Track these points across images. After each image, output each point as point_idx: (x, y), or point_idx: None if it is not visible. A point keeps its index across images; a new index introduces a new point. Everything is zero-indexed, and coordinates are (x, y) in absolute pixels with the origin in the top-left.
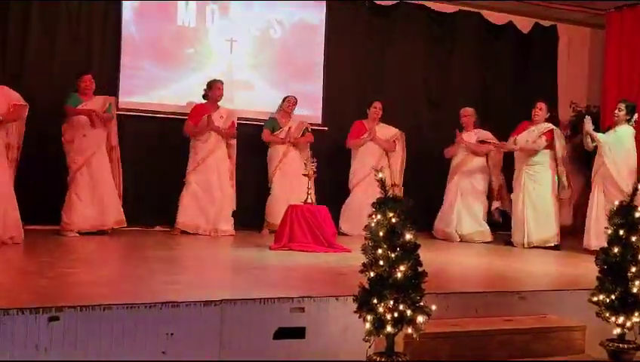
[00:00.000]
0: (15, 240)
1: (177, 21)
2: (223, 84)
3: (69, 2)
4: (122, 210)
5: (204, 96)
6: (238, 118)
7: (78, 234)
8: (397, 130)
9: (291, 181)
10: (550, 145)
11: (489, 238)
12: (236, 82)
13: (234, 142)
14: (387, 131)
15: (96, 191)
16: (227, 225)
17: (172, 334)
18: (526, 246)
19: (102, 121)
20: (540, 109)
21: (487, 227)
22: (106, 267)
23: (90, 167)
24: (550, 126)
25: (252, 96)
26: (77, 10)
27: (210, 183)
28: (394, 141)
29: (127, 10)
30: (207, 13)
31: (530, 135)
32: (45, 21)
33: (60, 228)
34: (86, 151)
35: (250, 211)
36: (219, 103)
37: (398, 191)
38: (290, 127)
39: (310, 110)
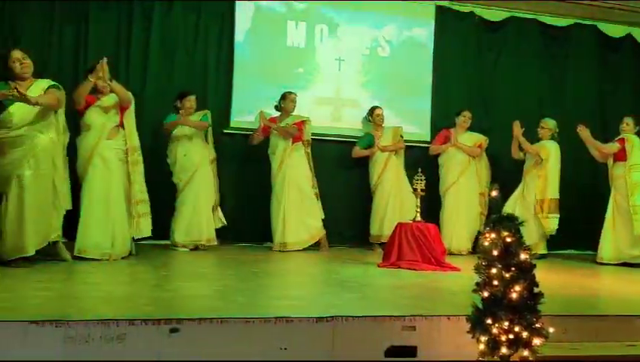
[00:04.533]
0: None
1: (287, 42)
2: (296, 95)
3: (187, 26)
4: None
5: (276, 108)
6: (345, 136)
7: (188, 249)
8: (482, 136)
9: (390, 191)
10: None
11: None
12: (344, 100)
13: (309, 150)
14: (473, 138)
15: (197, 208)
16: (319, 233)
17: (285, 348)
18: (615, 261)
19: (199, 127)
20: (627, 124)
21: None
22: (219, 281)
23: (193, 185)
24: None
25: (360, 114)
26: (194, 33)
27: (289, 195)
28: (478, 146)
29: (240, 32)
30: (317, 33)
31: None
32: (164, 44)
33: (171, 243)
34: (189, 170)
35: (356, 227)
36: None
37: (483, 200)
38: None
39: (418, 127)
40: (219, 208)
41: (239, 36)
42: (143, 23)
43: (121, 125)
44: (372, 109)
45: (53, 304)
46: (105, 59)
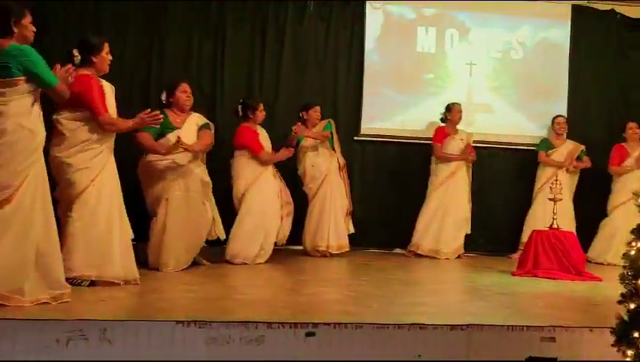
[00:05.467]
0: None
1: (417, 47)
2: (461, 106)
3: (317, 36)
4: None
5: (442, 120)
6: (478, 141)
7: (316, 256)
8: None
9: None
10: None
11: None
12: (475, 105)
13: (470, 164)
14: None
15: (324, 216)
16: (461, 249)
17: (419, 356)
18: None
19: (318, 137)
20: None
21: None
22: (352, 287)
23: (321, 193)
24: None
25: (491, 119)
26: (324, 42)
27: (448, 206)
28: None
29: (370, 39)
30: (447, 37)
31: None
32: (296, 53)
33: (304, 249)
34: (318, 178)
35: (487, 233)
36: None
37: None
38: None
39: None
40: (349, 215)
41: (369, 43)
42: (276, 34)
43: None
44: (554, 118)
45: (197, 305)
46: None
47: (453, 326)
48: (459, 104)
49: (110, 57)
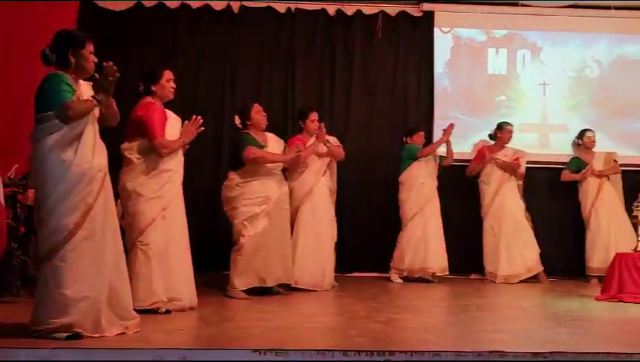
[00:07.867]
0: None
1: (488, 70)
2: (512, 126)
3: (386, 62)
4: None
5: (491, 137)
6: (552, 163)
7: (401, 281)
8: None
9: (609, 218)
10: None
11: None
12: (550, 126)
13: (521, 182)
14: None
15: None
16: (537, 267)
17: None
18: None
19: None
20: None
21: None
22: (428, 314)
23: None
24: None
25: (568, 139)
26: (393, 68)
27: (507, 227)
28: None
29: (439, 63)
30: (518, 58)
31: None
32: (365, 79)
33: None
34: (423, 198)
35: (568, 257)
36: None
37: None
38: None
39: (635, 150)
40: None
41: (438, 67)
42: (345, 62)
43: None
44: (582, 132)
45: (271, 334)
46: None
47: (535, 354)
48: (511, 125)
49: (174, 85)
